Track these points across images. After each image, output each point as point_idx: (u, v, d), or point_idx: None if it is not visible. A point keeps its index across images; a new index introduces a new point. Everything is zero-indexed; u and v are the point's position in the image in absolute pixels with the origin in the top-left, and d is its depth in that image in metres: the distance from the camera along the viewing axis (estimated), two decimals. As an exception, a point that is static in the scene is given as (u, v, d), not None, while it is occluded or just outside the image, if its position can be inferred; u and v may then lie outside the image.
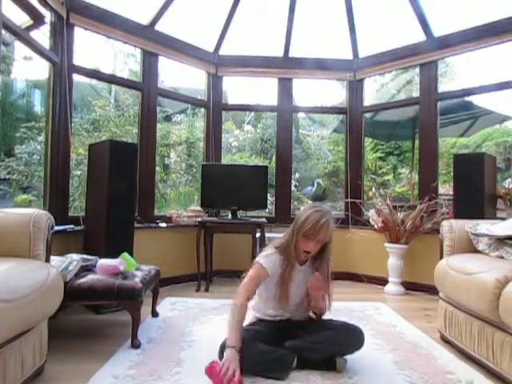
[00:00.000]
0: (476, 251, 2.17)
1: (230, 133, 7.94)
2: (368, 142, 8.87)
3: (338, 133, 8.10)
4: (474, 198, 2.86)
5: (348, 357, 1.77)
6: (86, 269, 2.13)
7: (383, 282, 3.55)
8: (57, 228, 2.08)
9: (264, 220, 3.50)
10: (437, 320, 2.28)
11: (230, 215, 3.62)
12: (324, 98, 10.25)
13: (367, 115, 4.66)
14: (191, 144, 6.55)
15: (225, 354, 1.57)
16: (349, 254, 3.94)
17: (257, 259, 1.78)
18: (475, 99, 5.23)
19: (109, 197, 2.58)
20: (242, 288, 1.73)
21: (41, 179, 3.80)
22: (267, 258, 1.76)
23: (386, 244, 3.47)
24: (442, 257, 2.26)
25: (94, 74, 3.53)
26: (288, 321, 1.85)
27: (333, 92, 9.95)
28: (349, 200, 4.05)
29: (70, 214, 3.12)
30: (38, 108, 6.43)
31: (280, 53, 4.17)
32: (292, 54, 4.18)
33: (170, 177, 6.38)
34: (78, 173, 4.47)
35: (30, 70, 6.40)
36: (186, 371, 1.70)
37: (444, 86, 8.02)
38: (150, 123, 3.60)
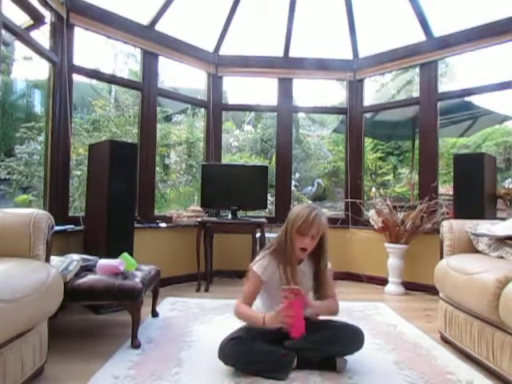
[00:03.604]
0: (476, 251, 2.17)
1: (229, 133, 7.94)
2: (368, 142, 8.88)
3: (338, 133, 8.12)
4: (474, 197, 2.86)
5: (348, 357, 1.77)
6: (86, 269, 2.13)
7: (383, 281, 3.55)
8: (57, 228, 2.08)
9: (264, 220, 3.50)
10: (437, 320, 2.27)
11: (230, 215, 3.62)
12: (324, 98, 10.25)
13: (367, 115, 4.66)
14: (191, 144, 6.56)
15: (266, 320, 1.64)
16: (349, 254, 3.94)
17: (251, 265, 1.81)
18: (475, 99, 5.23)
19: (109, 197, 2.58)
20: (240, 295, 1.80)
21: (41, 179, 3.80)
22: (259, 263, 1.78)
23: (386, 244, 3.47)
24: (442, 257, 2.26)
25: (94, 74, 3.53)
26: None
27: (333, 92, 9.97)
28: (349, 200, 4.06)
29: (70, 214, 3.12)
30: (38, 108, 6.44)
31: (280, 53, 4.17)
32: (292, 54, 4.18)
33: (170, 177, 6.38)
34: (78, 173, 4.47)
35: (30, 70, 6.40)
36: (186, 371, 1.70)
37: (444, 86, 8.02)
38: (149, 123, 3.60)
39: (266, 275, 1.76)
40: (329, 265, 1.84)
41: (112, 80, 4.07)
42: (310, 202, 7.62)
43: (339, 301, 1.86)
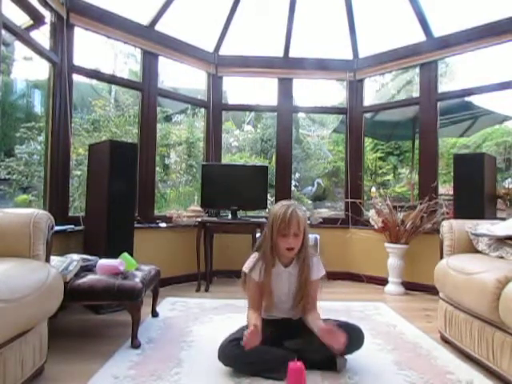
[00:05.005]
0: (476, 251, 2.17)
1: (229, 133, 7.95)
2: (368, 142, 8.89)
3: (338, 133, 8.12)
4: (474, 198, 2.86)
5: (348, 357, 1.77)
6: (86, 269, 2.13)
7: (383, 281, 3.55)
8: (57, 228, 2.08)
9: (264, 220, 3.49)
10: (437, 320, 2.27)
11: (230, 215, 3.62)
12: (324, 98, 10.24)
13: (367, 115, 4.66)
14: (191, 144, 6.56)
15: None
16: (349, 254, 3.94)
17: (244, 269, 1.81)
18: (475, 99, 5.23)
19: (109, 197, 2.58)
20: (248, 304, 1.82)
21: (41, 179, 3.80)
22: (252, 267, 1.79)
23: (386, 244, 3.47)
24: (442, 257, 2.26)
25: (94, 74, 3.53)
26: (288, 320, 1.85)
27: (333, 92, 9.95)
28: (349, 200, 4.06)
29: (70, 214, 3.12)
30: (38, 108, 6.45)
31: (280, 53, 4.17)
32: (292, 54, 4.18)
33: (170, 177, 6.39)
34: (78, 173, 4.47)
35: (30, 70, 6.41)
36: (186, 371, 1.70)
37: (444, 86, 8.02)
38: (149, 123, 3.60)
39: (261, 277, 1.76)
40: (322, 271, 1.81)
41: (112, 80, 4.07)
42: (309, 201, 7.62)
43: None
